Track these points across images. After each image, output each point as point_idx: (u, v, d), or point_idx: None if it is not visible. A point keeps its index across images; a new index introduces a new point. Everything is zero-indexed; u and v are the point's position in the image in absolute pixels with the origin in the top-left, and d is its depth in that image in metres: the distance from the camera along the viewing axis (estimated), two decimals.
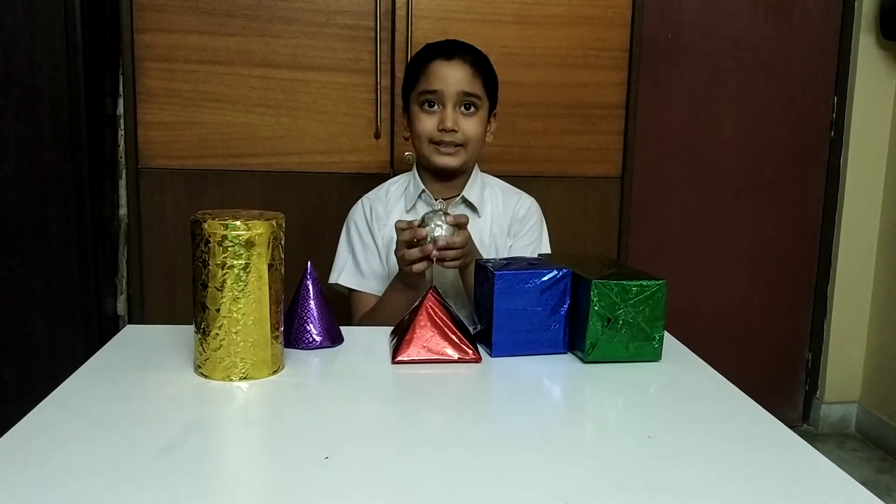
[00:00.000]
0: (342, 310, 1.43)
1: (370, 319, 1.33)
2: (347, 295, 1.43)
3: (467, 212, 1.36)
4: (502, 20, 1.85)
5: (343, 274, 1.40)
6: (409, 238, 1.16)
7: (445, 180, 1.39)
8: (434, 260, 1.15)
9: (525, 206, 1.45)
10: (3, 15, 1.62)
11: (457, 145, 1.33)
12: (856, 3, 2.46)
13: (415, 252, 1.15)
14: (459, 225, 1.17)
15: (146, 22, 1.76)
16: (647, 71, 2.28)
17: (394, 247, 1.36)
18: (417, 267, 1.17)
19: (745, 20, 2.45)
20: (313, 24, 1.80)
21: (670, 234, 2.53)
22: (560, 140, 1.92)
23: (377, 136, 1.85)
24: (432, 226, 1.15)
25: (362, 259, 1.40)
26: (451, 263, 1.18)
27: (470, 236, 1.21)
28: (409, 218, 1.33)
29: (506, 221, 1.43)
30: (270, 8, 1.78)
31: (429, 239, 1.14)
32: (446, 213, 1.17)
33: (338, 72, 1.82)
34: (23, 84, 1.65)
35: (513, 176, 1.58)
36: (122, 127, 1.82)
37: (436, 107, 1.33)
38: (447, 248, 1.14)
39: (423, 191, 1.38)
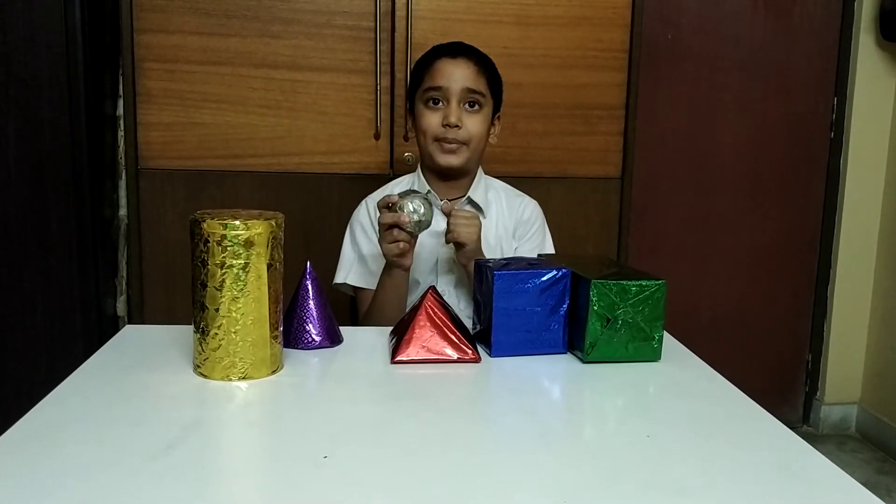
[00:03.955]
0: (342, 310, 1.44)
1: (370, 312, 1.35)
2: (353, 295, 1.44)
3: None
4: (502, 21, 1.85)
5: (350, 274, 1.41)
6: (391, 222, 1.19)
7: (450, 180, 1.39)
8: (412, 245, 1.22)
9: (529, 209, 1.46)
10: (3, 15, 1.62)
11: (460, 143, 1.33)
12: (855, 3, 2.46)
13: (387, 235, 1.20)
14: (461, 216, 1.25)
15: (146, 22, 1.76)
16: (647, 72, 2.28)
17: None
18: (391, 248, 1.21)
19: (745, 21, 2.45)
20: (313, 25, 1.80)
21: (670, 235, 2.53)
22: (560, 141, 1.92)
23: (377, 136, 1.85)
24: (411, 208, 1.17)
25: (369, 258, 1.40)
26: (465, 232, 1.24)
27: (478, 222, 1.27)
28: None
29: (511, 224, 1.44)
30: (270, 9, 1.78)
31: (408, 217, 1.17)
32: (426, 196, 1.21)
33: (337, 72, 1.82)
34: (23, 84, 1.65)
35: (513, 177, 1.58)
36: (122, 128, 1.82)
37: (440, 104, 1.34)
38: (456, 219, 1.24)
39: (429, 191, 1.39)
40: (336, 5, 1.80)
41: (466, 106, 1.33)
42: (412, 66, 1.48)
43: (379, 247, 1.40)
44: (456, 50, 1.36)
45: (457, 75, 1.32)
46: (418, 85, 1.37)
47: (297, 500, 0.63)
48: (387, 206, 1.20)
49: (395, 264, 1.25)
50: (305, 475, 0.67)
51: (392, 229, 1.19)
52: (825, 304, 2.64)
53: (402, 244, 1.20)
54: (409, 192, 1.21)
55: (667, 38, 2.41)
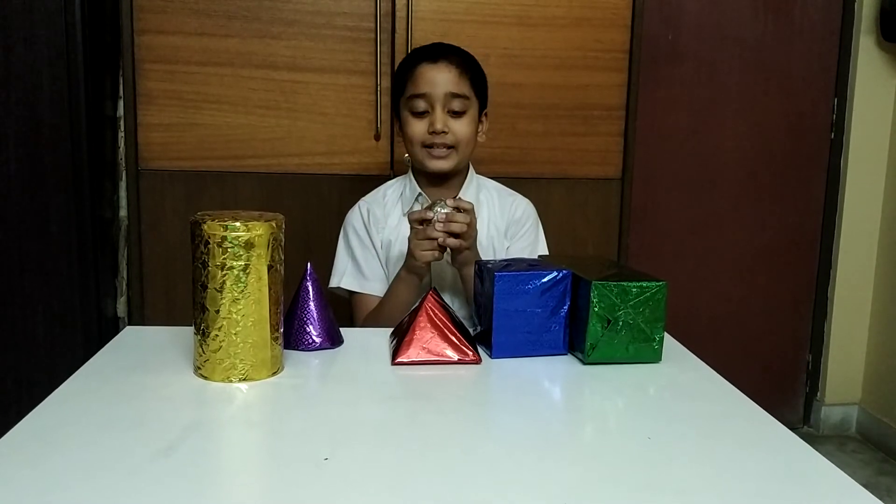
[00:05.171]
0: (342, 312, 1.43)
1: (375, 316, 1.34)
2: (348, 298, 1.44)
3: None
4: (502, 22, 1.85)
5: (345, 277, 1.41)
6: (417, 218, 1.21)
7: (441, 183, 1.39)
8: (444, 248, 1.22)
9: (521, 208, 1.45)
10: (3, 15, 1.62)
11: (448, 147, 1.33)
12: (856, 4, 2.46)
13: (425, 242, 1.21)
14: (462, 209, 1.22)
15: (146, 23, 1.76)
16: (647, 72, 2.28)
17: (392, 249, 1.37)
18: (426, 255, 1.22)
19: (745, 21, 2.45)
20: (313, 26, 1.80)
21: (670, 236, 2.53)
22: (560, 141, 1.92)
23: (377, 137, 1.85)
24: (437, 209, 1.21)
25: (363, 261, 1.40)
26: (451, 241, 1.21)
27: (475, 222, 1.24)
28: (405, 222, 1.34)
29: (503, 223, 1.43)
30: (270, 10, 1.78)
31: (434, 219, 1.20)
32: (450, 200, 1.23)
33: (338, 73, 1.82)
34: (23, 85, 1.65)
35: (513, 177, 1.58)
36: (122, 129, 1.82)
37: (425, 110, 1.33)
38: (449, 221, 1.20)
39: (420, 194, 1.39)
40: (336, 6, 1.80)
41: (451, 110, 1.33)
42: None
43: (371, 249, 1.40)
44: (435, 53, 1.34)
45: (438, 80, 1.31)
46: (401, 91, 1.36)
47: (298, 501, 0.63)
48: (420, 220, 1.22)
49: (422, 272, 1.27)
50: (306, 477, 0.67)
51: (433, 239, 1.21)
52: (825, 304, 2.64)
53: (437, 252, 1.23)
54: (438, 202, 1.23)
55: (667, 39, 2.41)
